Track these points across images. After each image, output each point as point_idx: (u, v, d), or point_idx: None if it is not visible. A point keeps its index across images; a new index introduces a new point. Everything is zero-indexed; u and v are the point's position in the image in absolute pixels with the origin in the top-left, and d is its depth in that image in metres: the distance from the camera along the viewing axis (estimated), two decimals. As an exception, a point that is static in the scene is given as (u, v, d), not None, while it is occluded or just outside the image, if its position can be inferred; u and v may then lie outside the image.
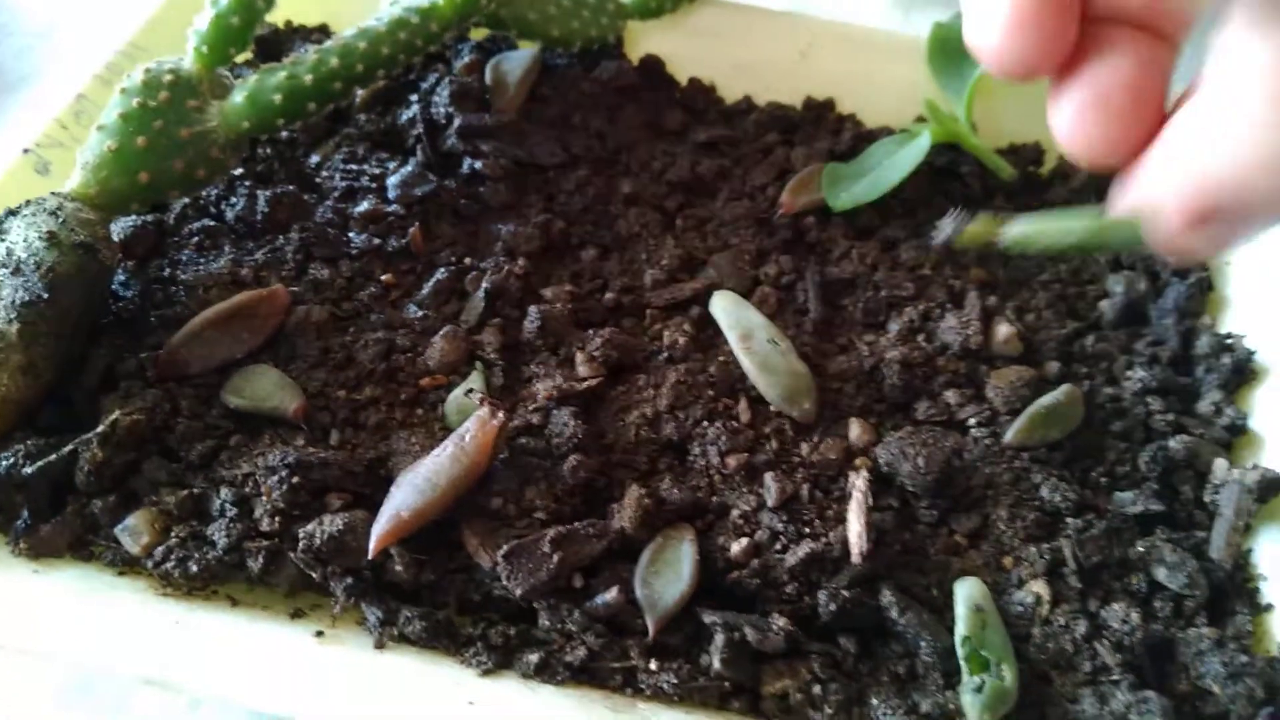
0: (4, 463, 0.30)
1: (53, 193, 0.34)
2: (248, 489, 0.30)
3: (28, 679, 0.32)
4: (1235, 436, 0.35)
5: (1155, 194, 0.21)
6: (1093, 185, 0.43)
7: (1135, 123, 0.21)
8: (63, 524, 0.30)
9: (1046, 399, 0.35)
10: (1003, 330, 0.37)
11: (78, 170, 0.35)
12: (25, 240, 0.32)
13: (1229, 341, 0.37)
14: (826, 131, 0.45)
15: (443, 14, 0.39)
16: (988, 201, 0.43)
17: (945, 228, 0.24)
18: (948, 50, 0.43)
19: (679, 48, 0.47)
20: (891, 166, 0.41)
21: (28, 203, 0.33)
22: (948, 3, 0.56)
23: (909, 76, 0.44)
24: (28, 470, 0.30)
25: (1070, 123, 0.22)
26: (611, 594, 0.29)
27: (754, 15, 0.48)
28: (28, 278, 0.31)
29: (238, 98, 0.36)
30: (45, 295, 0.31)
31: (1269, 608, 0.31)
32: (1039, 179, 0.45)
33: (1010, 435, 0.34)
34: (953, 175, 0.44)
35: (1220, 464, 0.34)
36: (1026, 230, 0.23)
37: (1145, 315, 0.39)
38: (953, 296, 0.39)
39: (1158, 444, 0.34)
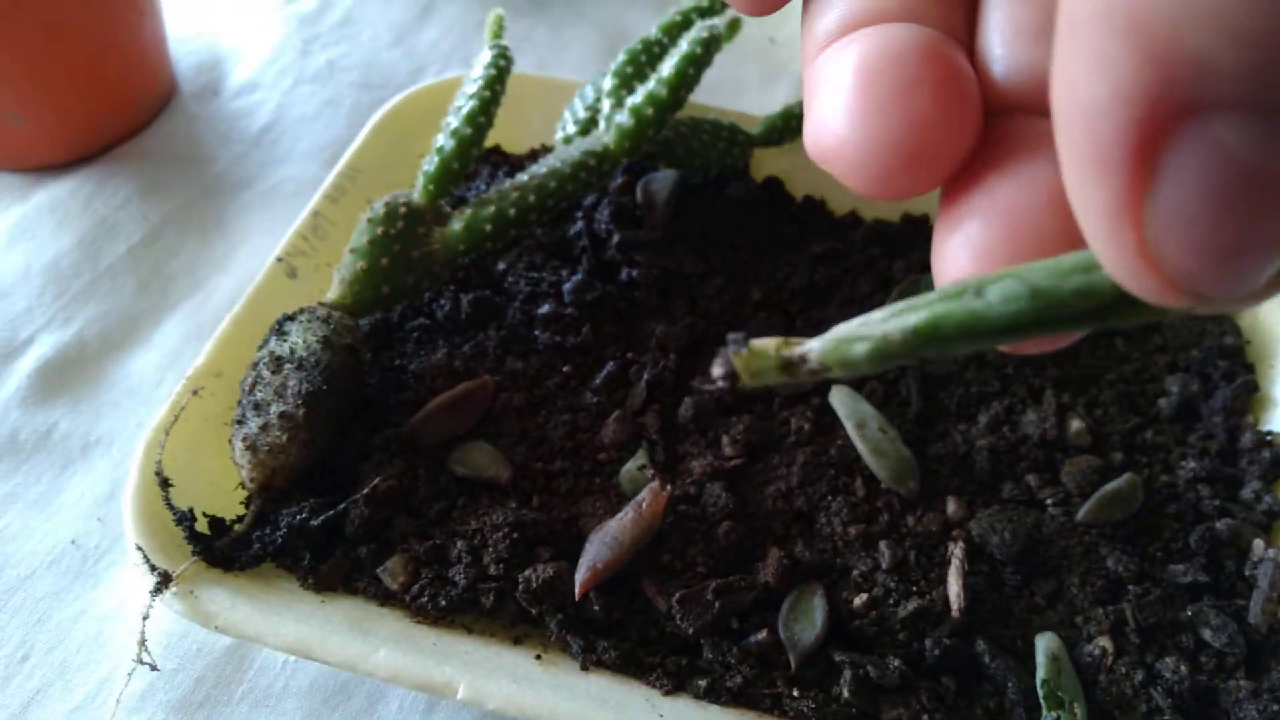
0: (298, 517, 0.39)
1: (320, 303, 0.44)
2: (476, 541, 0.39)
3: (306, 680, 0.41)
4: (1273, 520, 0.42)
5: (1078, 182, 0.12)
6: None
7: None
8: (336, 565, 0.39)
9: (1112, 484, 0.42)
10: (1075, 425, 0.44)
11: (335, 284, 0.44)
12: (305, 342, 0.42)
13: (1269, 438, 0.44)
14: (922, 244, 0.53)
15: (613, 155, 0.48)
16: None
17: (715, 373, 0.18)
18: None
19: (795, 168, 0.56)
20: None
21: (301, 310, 0.43)
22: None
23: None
24: (314, 523, 0.39)
25: (966, 267, 0.15)
26: (761, 635, 0.37)
27: (859, 141, 0.56)
28: (309, 373, 0.41)
29: (456, 225, 0.46)
30: (325, 387, 0.40)
31: (1299, 666, 0.38)
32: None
33: (1081, 514, 0.41)
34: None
35: (1259, 544, 0.40)
36: (835, 343, 0.16)
37: (1197, 413, 0.46)
38: (1032, 393, 0.46)
39: (1206, 525, 0.41)
